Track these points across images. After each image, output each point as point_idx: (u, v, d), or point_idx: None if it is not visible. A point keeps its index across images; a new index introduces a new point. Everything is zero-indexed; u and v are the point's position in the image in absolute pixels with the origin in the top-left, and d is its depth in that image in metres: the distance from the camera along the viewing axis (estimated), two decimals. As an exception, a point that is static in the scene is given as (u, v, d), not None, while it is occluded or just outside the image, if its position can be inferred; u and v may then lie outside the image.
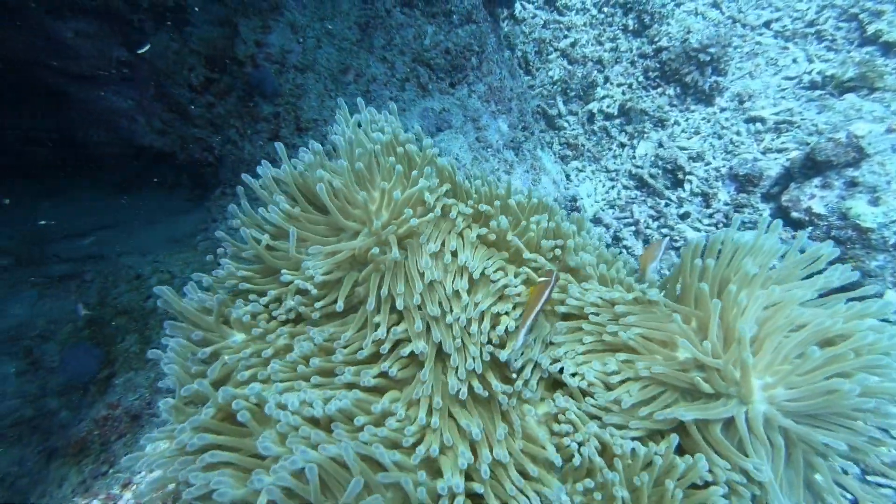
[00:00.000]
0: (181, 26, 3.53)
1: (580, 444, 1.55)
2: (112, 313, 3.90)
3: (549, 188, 4.08)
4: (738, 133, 5.52)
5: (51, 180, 4.73)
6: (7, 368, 3.74)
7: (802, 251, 1.80)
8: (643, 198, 5.37)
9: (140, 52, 3.55)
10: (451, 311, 1.62)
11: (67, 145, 4.49)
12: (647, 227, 5.18)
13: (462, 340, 1.60)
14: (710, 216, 4.97)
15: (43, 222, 4.48)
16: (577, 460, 1.51)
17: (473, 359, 1.57)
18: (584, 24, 6.51)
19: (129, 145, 3.98)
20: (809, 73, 5.72)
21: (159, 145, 3.90)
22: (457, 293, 1.64)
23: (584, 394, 1.70)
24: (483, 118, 3.79)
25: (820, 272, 1.74)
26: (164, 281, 4.16)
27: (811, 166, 4.48)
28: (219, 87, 3.63)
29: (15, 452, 3.52)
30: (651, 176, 5.43)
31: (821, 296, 1.71)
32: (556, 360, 1.75)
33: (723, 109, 5.80)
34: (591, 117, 5.90)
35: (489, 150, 3.65)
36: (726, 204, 5.01)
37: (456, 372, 1.55)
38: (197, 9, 3.51)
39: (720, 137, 5.53)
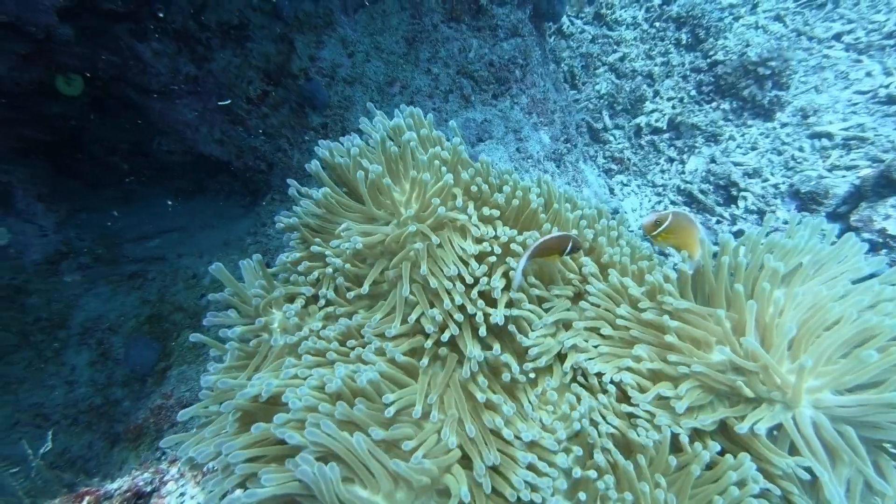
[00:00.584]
0: (243, 42, 3.81)
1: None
2: (170, 310, 4.16)
3: (592, 201, 4.05)
4: (800, 149, 5.27)
5: (126, 186, 5.14)
6: (82, 358, 4.04)
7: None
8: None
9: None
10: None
11: (141, 154, 4.88)
12: (697, 244, 5.01)
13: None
14: (767, 235, 4.75)
15: (109, 222, 4.86)
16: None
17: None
18: (635, 39, 6.46)
19: (191, 154, 4.28)
20: (887, 86, 5.41)
21: (218, 154, 4.18)
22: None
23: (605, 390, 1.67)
24: (524, 129, 3.83)
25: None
26: (216, 281, 4.42)
27: (886, 184, 4.22)
28: (273, 99, 3.86)
29: (86, 437, 3.79)
30: (702, 192, 5.27)
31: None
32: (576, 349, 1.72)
33: (784, 125, 5.57)
34: (637, 131, 5.82)
35: (529, 160, 3.68)
36: (785, 223, 4.79)
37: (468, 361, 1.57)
38: (258, 26, 3.77)
39: (780, 153, 5.31)
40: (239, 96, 3.90)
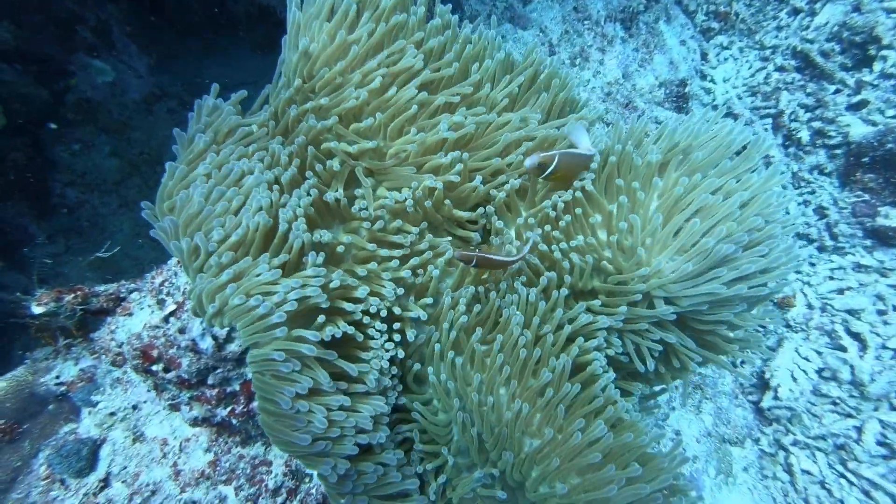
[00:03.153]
0: None
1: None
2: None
3: (662, 70, 3.62)
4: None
5: (206, 37, 5.39)
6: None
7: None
8: (802, 82, 4.45)
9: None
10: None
11: (217, 4, 5.01)
12: (794, 120, 4.37)
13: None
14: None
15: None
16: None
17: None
18: None
19: (254, 5, 4.33)
20: None
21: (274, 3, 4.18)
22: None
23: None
24: (589, -18, 3.38)
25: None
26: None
27: None
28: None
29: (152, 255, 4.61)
30: (822, 53, 4.41)
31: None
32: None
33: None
34: (761, -24, 4.79)
35: (586, 22, 3.31)
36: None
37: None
38: None
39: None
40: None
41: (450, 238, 1.73)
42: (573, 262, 1.57)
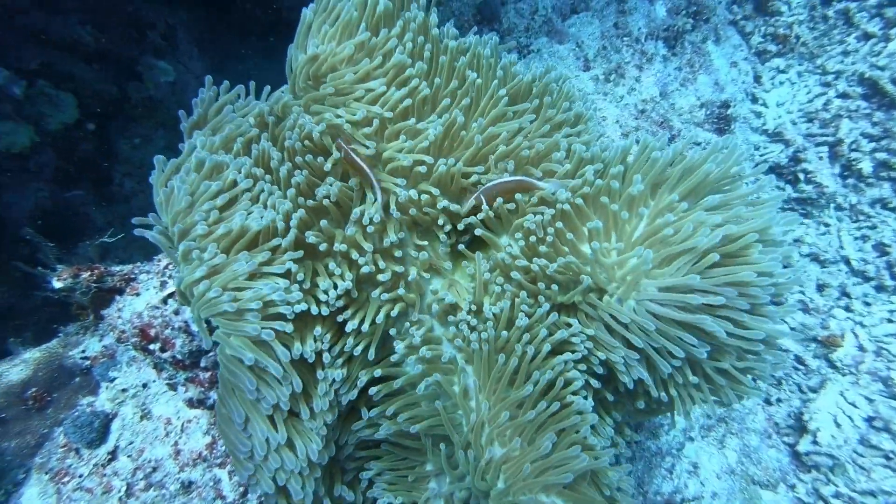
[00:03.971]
0: None
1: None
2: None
3: (705, 91, 3.50)
4: None
5: (267, 42, 5.68)
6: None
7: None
8: (867, 111, 4.16)
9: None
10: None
11: (275, 9, 5.27)
12: (855, 150, 4.07)
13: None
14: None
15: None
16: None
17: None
18: None
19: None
20: None
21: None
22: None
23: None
24: (632, 0, 3.33)
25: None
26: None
27: None
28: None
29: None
30: (895, 82, 4.12)
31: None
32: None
33: None
34: (828, -2, 4.54)
35: (625, 39, 3.25)
36: None
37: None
38: None
39: None
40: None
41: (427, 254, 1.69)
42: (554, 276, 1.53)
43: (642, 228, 1.51)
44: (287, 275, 1.43)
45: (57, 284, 1.88)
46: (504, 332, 1.49)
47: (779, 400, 4.02)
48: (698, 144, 3.27)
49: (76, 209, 4.47)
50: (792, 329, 4.07)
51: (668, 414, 1.85)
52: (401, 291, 1.58)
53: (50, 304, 3.59)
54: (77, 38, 4.35)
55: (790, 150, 4.03)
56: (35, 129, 4.11)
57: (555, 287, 1.57)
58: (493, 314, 1.53)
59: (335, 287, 1.51)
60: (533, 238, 1.57)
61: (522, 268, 1.58)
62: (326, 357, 1.51)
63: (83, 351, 2.53)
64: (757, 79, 4.35)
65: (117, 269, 1.91)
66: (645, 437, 2.68)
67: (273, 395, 1.37)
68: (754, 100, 4.31)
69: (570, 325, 1.53)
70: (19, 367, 2.53)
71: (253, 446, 1.40)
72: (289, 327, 1.39)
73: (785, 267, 1.43)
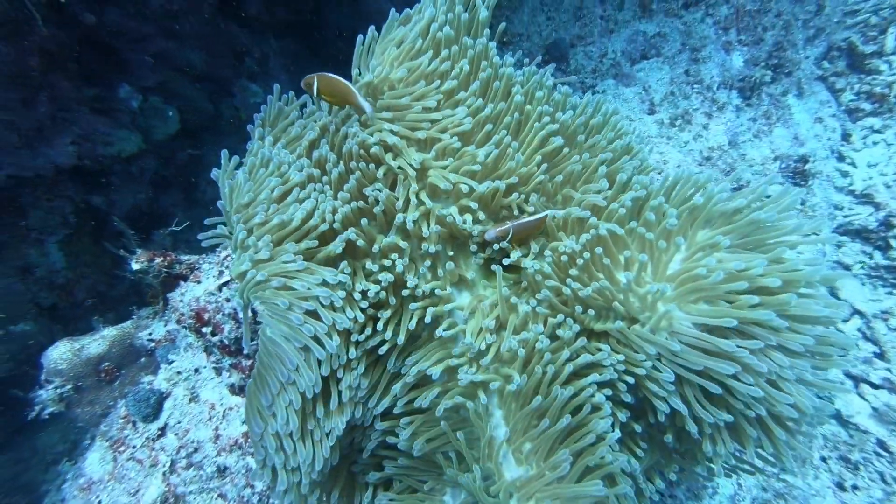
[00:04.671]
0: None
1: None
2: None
3: (781, 144, 3.37)
4: None
5: (346, 69, 6.09)
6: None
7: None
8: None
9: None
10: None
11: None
12: (957, 221, 3.72)
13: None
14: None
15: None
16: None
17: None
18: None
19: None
20: None
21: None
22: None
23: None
24: (707, 48, 3.31)
25: None
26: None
27: None
28: None
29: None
30: None
31: None
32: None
33: None
34: (931, 58, 4.26)
35: (696, 86, 3.22)
36: None
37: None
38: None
39: None
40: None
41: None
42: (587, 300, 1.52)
43: (679, 263, 1.48)
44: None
45: (135, 266, 2.10)
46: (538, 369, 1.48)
47: (855, 487, 3.63)
48: (768, 197, 3.13)
49: (167, 209, 4.92)
50: (874, 409, 3.70)
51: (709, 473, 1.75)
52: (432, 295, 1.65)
53: (131, 293, 3.93)
54: (190, 62, 4.89)
55: (881, 213, 3.76)
56: (144, 137, 4.62)
57: (591, 312, 1.56)
58: (520, 341, 1.54)
59: (378, 283, 1.59)
60: (565, 258, 1.58)
61: (553, 288, 1.59)
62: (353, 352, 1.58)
63: (150, 333, 2.76)
64: (846, 137, 4.13)
65: (185, 258, 2.11)
66: (685, 497, 2.49)
67: (303, 382, 1.45)
68: (840, 158, 4.08)
69: (600, 350, 1.51)
70: (98, 342, 2.80)
71: (274, 429, 1.46)
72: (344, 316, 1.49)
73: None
